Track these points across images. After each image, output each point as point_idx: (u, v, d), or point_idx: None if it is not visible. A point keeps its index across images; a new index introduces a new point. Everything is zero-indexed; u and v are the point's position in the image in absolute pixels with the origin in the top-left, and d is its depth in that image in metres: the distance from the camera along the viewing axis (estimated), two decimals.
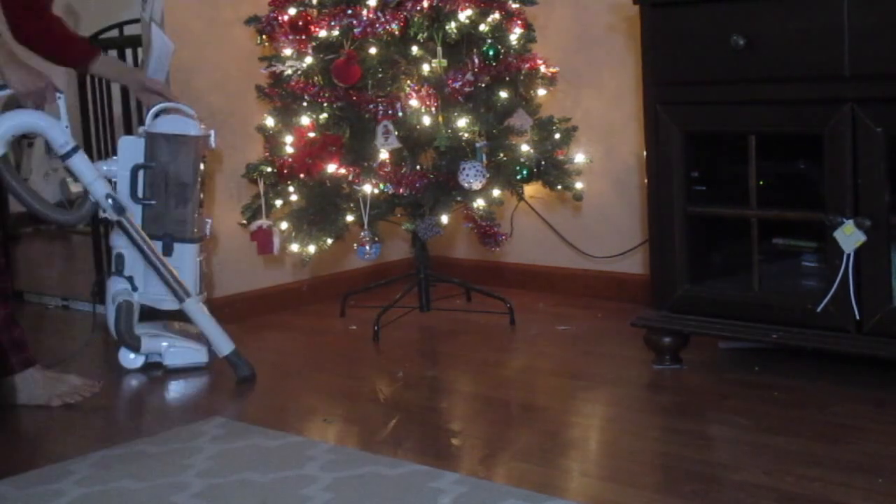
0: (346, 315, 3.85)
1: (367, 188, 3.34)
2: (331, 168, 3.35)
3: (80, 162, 3.09)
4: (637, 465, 2.36)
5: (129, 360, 3.33)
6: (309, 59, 3.37)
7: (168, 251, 3.26)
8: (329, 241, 3.45)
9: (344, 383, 3.06)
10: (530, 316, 3.70)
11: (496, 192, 3.45)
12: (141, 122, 3.96)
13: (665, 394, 2.83)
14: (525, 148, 3.44)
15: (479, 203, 3.42)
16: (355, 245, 3.37)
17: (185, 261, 3.27)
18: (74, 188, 6.21)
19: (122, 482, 2.38)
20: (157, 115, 3.30)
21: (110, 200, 3.11)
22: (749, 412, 2.62)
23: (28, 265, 5.40)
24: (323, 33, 3.35)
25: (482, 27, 3.36)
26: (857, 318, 2.65)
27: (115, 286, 3.29)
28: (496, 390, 2.91)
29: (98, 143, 4.21)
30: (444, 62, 3.34)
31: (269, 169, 3.49)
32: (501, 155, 3.44)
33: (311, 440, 2.59)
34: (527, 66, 3.47)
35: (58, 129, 3.05)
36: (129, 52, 4.01)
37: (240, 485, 2.33)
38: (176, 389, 3.12)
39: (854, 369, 2.85)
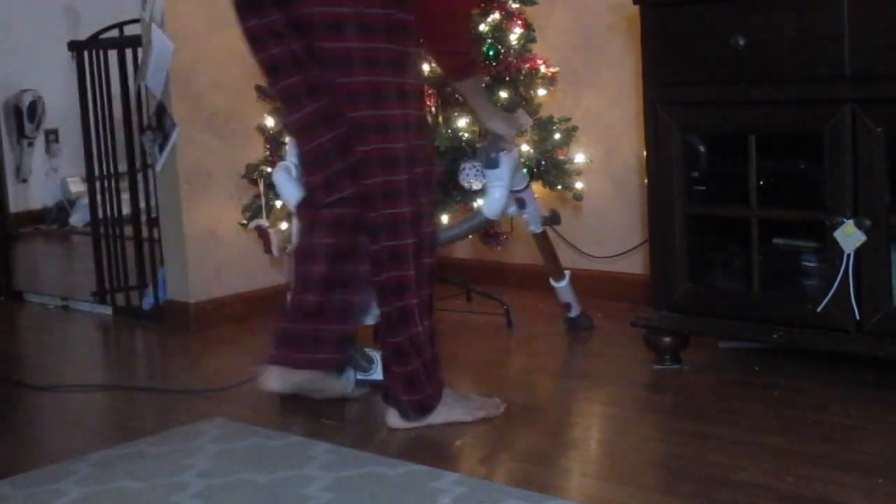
0: None
1: None
2: None
3: (529, 195, 3.22)
4: (637, 465, 2.36)
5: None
6: None
7: None
8: None
9: None
10: (530, 316, 3.70)
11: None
12: (141, 122, 3.97)
13: (665, 394, 2.83)
14: (525, 148, 3.44)
15: (479, 203, 3.41)
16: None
17: None
18: (74, 188, 6.21)
19: (122, 482, 2.38)
20: None
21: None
22: (749, 412, 2.62)
23: (28, 265, 5.40)
24: None
25: (482, 27, 3.35)
26: (857, 318, 2.65)
27: None
28: (496, 390, 2.91)
29: (98, 143, 4.21)
30: None
31: (269, 169, 3.48)
32: None
33: (311, 440, 2.59)
34: (527, 66, 3.47)
35: (520, 169, 3.14)
36: (129, 51, 4.01)
37: (240, 485, 2.33)
38: (177, 390, 3.12)
39: (854, 369, 2.85)
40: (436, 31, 2.61)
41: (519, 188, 3.20)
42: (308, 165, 2.70)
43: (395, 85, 2.48)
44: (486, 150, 3.03)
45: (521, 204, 3.23)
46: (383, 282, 2.55)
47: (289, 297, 2.77)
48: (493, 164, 2.97)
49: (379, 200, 2.51)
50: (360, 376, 2.91)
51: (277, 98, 2.78)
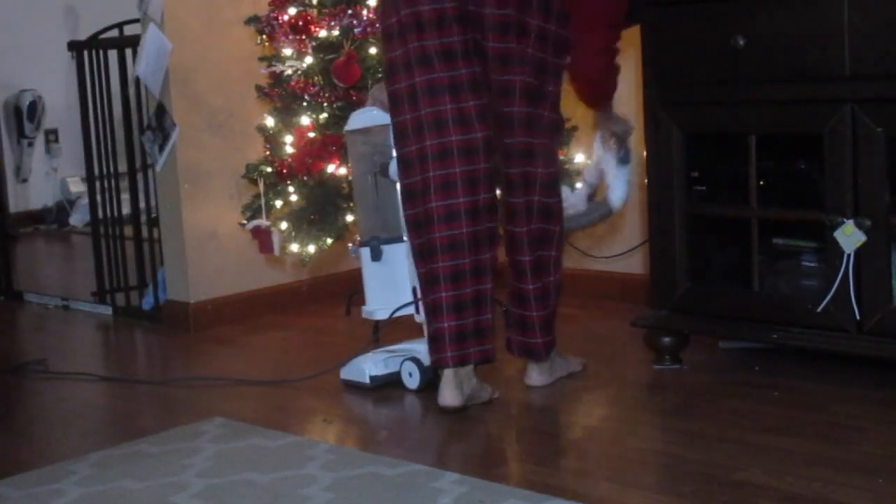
0: (351, 314, 3.83)
1: None
2: (331, 168, 3.35)
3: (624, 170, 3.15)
4: (637, 465, 2.36)
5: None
6: (309, 59, 3.37)
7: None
8: (329, 241, 3.45)
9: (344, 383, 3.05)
10: None
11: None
12: (141, 122, 3.97)
13: (665, 394, 2.83)
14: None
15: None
16: (349, 245, 3.35)
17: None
18: (74, 188, 6.20)
19: (122, 482, 2.38)
20: None
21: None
22: (749, 412, 2.61)
23: (28, 265, 5.40)
24: (323, 33, 3.35)
25: None
26: (857, 318, 2.65)
27: None
28: (496, 390, 2.91)
29: (98, 143, 4.21)
30: None
31: (269, 169, 3.49)
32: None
33: (311, 440, 2.59)
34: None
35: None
36: (129, 51, 4.01)
37: (240, 485, 2.33)
38: (177, 390, 3.12)
39: (854, 369, 2.85)
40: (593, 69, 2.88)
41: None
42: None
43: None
44: (617, 148, 3.07)
45: (623, 160, 3.13)
46: (531, 232, 2.79)
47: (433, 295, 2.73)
48: (625, 160, 3.06)
49: (540, 160, 2.78)
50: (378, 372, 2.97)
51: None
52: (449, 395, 2.69)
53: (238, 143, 3.84)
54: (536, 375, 2.91)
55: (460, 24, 2.66)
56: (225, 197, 3.85)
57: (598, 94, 2.95)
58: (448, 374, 2.70)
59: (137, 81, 3.84)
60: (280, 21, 3.41)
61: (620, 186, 3.07)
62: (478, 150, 2.72)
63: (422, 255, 2.74)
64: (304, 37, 3.38)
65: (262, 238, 3.51)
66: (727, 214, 2.93)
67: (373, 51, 3.30)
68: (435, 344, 2.72)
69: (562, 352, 2.97)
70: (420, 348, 2.91)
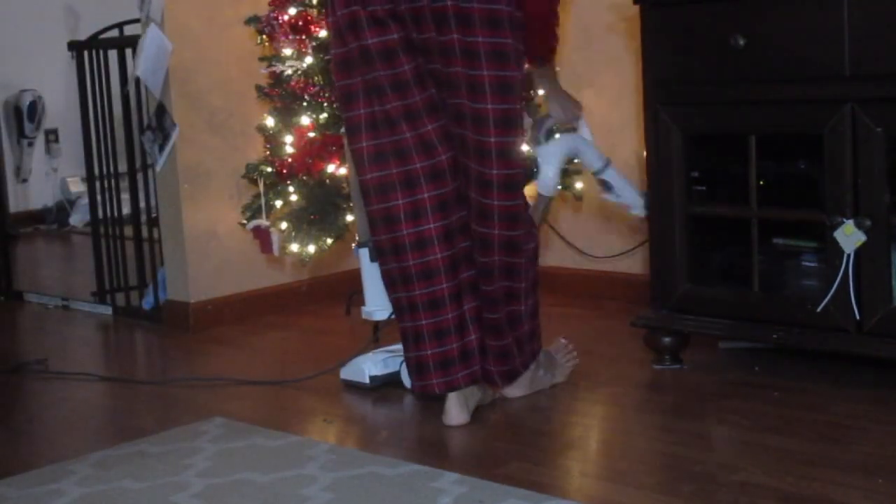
0: (351, 314, 3.84)
1: None
2: (331, 168, 3.35)
3: (611, 175, 3.05)
4: (637, 465, 2.36)
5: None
6: (309, 59, 3.37)
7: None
8: (329, 241, 3.45)
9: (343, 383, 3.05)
10: None
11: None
12: (141, 122, 3.97)
13: (665, 394, 2.83)
14: (525, 148, 3.43)
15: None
16: (353, 245, 3.36)
17: None
18: (74, 188, 6.20)
19: (122, 482, 2.38)
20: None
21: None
22: (749, 412, 2.62)
23: (28, 265, 5.40)
24: (323, 33, 3.35)
25: None
26: (857, 318, 2.65)
27: None
28: (497, 391, 2.91)
29: (98, 143, 4.21)
30: None
31: (269, 169, 3.49)
32: None
33: (311, 440, 2.59)
34: (526, 66, 3.46)
35: (592, 150, 3.03)
36: (129, 51, 4.01)
37: (240, 485, 2.33)
38: (177, 390, 3.12)
39: (854, 369, 2.85)
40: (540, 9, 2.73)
41: (594, 168, 3.03)
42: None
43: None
44: (536, 127, 2.99)
45: (607, 186, 3.05)
46: (497, 263, 2.64)
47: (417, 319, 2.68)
48: (538, 141, 2.97)
49: (500, 191, 2.60)
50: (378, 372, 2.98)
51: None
52: (456, 414, 2.66)
53: (238, 143, 3.84)
54: (512, 388, 2.83)
55: (408, 54, 2.56)
56: (225, 197, 3.85)
57: (542, 44, 2.81)
58: (452, 395, 2.66)
59: (137, 81, 3.84)
60: (280, 21, 3.41)
61: (544, 172, 2.95)
62: (444, 173, 2.63)
63: (392, 283, 2.68)
64: (304, 37, 3.38)
65: (261, 238, 3.52)
66: (727, 214, 2.93)
67: None
68: (419, 372, 2.66)
69: (550, 364, 2.90)
70: None
